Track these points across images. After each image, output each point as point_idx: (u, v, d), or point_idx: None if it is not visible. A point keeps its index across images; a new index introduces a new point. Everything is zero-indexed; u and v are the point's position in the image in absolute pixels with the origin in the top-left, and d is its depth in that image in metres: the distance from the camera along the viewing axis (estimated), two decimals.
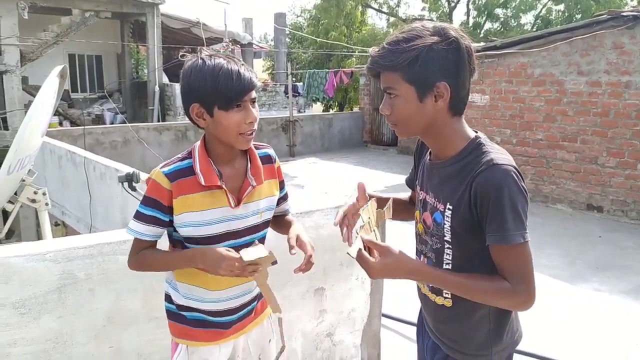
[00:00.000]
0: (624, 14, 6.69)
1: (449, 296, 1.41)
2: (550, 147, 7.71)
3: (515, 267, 1.28)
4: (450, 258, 1.39)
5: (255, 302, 1.66)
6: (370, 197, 1.47)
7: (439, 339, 1.51)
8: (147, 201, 1.47)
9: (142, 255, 1.52)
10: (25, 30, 12.45)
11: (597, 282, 4.91)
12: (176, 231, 1.52)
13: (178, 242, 1.56)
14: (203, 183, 1.46)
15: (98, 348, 1.95)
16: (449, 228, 1.36)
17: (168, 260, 1.55)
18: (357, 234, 1.31)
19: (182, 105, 1.50)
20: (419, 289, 1.57)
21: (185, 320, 1.59)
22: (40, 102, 4.00)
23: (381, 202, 1.50)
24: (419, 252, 1.53)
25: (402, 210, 1.69)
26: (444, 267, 1.40)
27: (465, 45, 1.30)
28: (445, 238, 1.38)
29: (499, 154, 1.31)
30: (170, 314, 1.63)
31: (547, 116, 7.69)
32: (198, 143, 1.52)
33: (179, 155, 1.53)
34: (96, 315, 1.93)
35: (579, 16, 17.69)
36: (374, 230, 1.37)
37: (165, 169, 1.47)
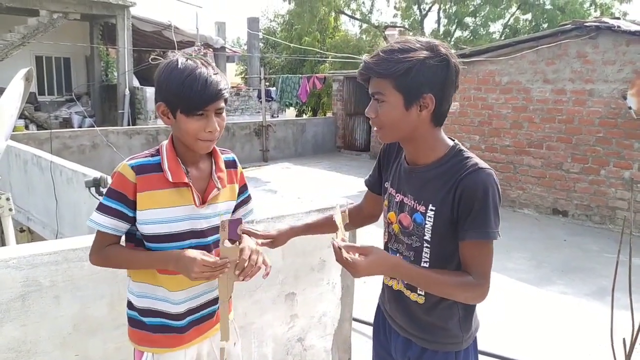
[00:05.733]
0: (587, 24, 6.92)
1: (422, 293, 1.50)
2: (517, 153, 7.89)
3: (483, 262, 1.40)
4: (428, 256, 1.47)
5: (216, 306, 1.63)
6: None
7: (412, 334, 1.57)
8: (111, 193, 1.45)
9: (107, 251, 1.49)
10: None
11: (563, 285, 5.05)
12: (137, 230, 1.50)
13: (138, 241, 1.53)
14: (171, 180, 1.45)
15: (63, 356, 1.91)
16: (430, 228, 1.44)
17: (137, 259, 1.49)
18: (333, 239, 1.35)
19: (153, 109, 1.49)
20: (390, 287, 1.61)
21: (145, 326, 1.56)
22: (4, 105, 3.89)
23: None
24: (393, 251, 1.58)
25: (356, 219, 1.83)
26: (422, 264, 1.47)
27: (454, 63, 1.40)
28: (425, 237, 1.46)
29: (479, 160, 1.42)
30: (131, 321, 1.60)
31: (514, 123, 7.88)
32: (166, 141, 1.52)
33: (147, 152, 1.53)
34: (61, 323, 1.89)
35: (545, 25, 18.16)
36: (344, 234, 1.42)
37: (132, 162, 1.47)
